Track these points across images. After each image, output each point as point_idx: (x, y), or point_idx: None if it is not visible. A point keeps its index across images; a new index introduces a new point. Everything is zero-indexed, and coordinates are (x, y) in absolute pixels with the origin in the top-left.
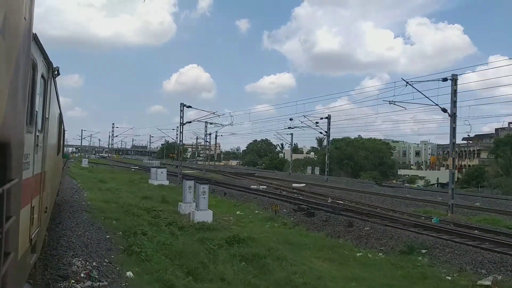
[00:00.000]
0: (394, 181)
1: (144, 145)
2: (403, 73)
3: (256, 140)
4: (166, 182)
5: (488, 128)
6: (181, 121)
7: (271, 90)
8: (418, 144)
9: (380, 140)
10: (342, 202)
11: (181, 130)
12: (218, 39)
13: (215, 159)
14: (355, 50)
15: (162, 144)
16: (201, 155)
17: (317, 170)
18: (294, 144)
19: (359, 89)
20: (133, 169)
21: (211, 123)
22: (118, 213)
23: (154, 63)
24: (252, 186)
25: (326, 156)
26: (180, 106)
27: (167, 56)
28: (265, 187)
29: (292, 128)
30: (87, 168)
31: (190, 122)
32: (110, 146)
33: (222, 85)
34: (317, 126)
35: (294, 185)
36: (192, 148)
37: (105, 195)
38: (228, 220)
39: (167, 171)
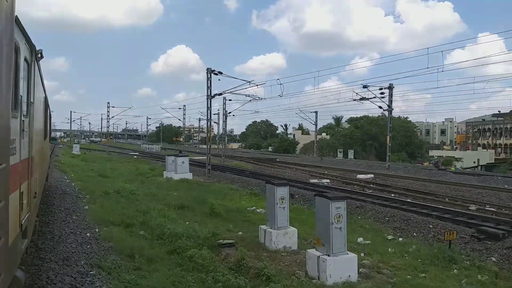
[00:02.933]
0: (425, 163)
1: (134, 128)
2: (392, 52)
3: (256, 121)
4: (190, 175)
5: (475, 106)
6: (209, 93)
7: (261, 70)
8: (443, 122)
9: (407, 118)
10: (493, 210)
11: (209, 105)
12: (207, 19)
13: (225, 142)
14: (345, 29)
15: (157, 127)
16: (195, 138)
17: (350, 154)
18: (299, 125)
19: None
20: (135, 156)
21: (247, 95)
22: (165, 262)
23: (141, 44)
24: (311, 181)
25: (388, 137)
26: (207, 73)
27: (154, 38)
28: (328, 181)
29: (366, 99)
30: (79, 156)
31: (220, 94)
32: (106, 128)
33: (211, 66)
34: (382, 97)
35: (359, 176)
36: (185, 130)
37: (119, 206)
38: (375, 266)
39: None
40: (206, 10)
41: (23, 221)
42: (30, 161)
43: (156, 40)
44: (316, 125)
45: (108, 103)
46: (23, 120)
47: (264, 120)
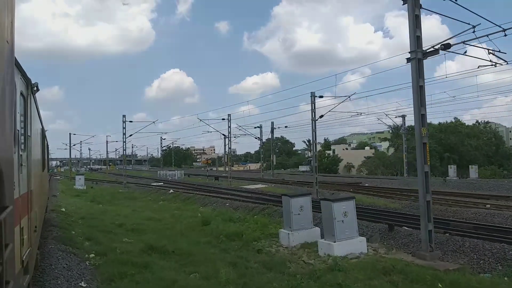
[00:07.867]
0: None
1: (134, 153)
2: (384, 67)
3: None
4: (363, 245)
5: (468, 116)
6: None
7: (255, 90)
8: None
9: (487, 123)
10: None
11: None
12: (199, 42)
13: (315, 162)
14: (336, 46)
15: (163, 151)
16: (198, 160)
17: (473, 171)
18: (325, 139)
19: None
20: (171, 191)
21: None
22: None
23: (134, 70)
24: None
25: None
26: None
27: (147, 63)
28: None
29: None
30: (86, 193)
31: (436, 50)
32: (123, 151)
33: (205, 88)
34: None
35: None
36: (230, 148)
37: None
38: None
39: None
40: (198, 34)
41: (24, 257)
42: (30, 195)
43: (149, 65)
44: (404, 134)
45: (124, 116)
46: (21, 155)
47: (279, 137)
